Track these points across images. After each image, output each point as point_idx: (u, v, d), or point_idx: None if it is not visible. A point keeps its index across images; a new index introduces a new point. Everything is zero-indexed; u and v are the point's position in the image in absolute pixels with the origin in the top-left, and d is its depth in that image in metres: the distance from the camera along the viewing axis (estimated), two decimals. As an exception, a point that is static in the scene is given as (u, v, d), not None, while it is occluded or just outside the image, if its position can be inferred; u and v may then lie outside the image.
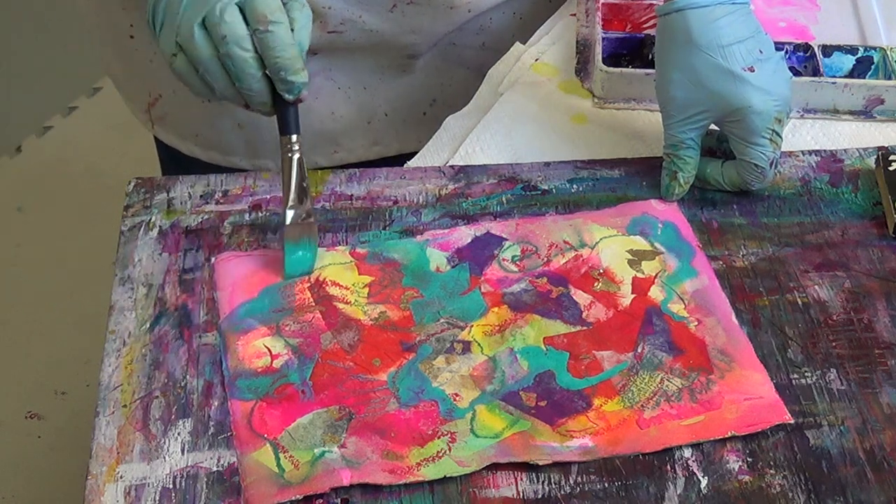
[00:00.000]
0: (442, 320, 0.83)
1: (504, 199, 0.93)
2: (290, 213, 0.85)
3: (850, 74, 1.04)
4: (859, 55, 1.04)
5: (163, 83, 1.10)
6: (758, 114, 0.88)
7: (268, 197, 0.93)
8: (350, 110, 1.11)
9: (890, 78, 1.02)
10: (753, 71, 0.88)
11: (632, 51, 1.07)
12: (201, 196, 0.93)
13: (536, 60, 1.08)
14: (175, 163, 1.15)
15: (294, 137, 0.86)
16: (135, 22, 1.07)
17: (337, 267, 0.87)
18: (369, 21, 1.04)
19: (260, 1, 0.81)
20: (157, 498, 0.73)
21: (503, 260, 0.88)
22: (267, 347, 0.81)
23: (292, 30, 0.83)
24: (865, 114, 1.02)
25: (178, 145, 1.14)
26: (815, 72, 1.03)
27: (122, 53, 1.12)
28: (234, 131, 1.10)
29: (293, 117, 0.86)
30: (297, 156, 0.86)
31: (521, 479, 0.74)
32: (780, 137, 0.90)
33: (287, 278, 0.85)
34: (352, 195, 0.93)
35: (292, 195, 0.85)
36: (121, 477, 0.74)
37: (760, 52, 0.89)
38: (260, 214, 0.91)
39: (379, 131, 1.14)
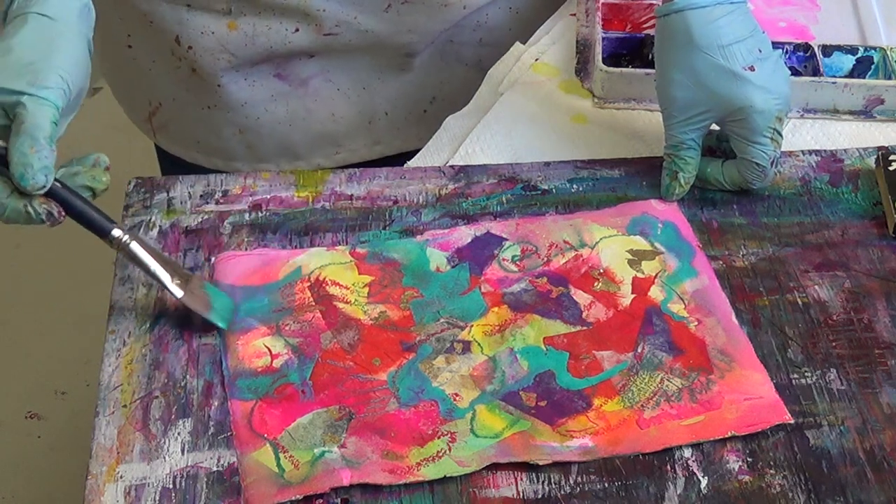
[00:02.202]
0: (442, 320, 0.83)
1: (504, 199, 0.93)
2: (177, 291, 0.81)
3: (850, 74, 1.04)
4: (859, 55, 1.04)
5: (162, 92, 1.10)
6: (760, 112, 0.88)
7: (268, 197, 0.93)
8: (350, 111, 1.11)
9: (890, 78, 1.02)
10: (754, 70, 0.88)
11: (632, 51, 1.06)
12: (201, 196, 0.93)
13: (536, 60, 1.08)
14: (177, 170, 1.15)
15: (116, 232, 0.80)
16: (132, 32, 1.07)
17: (337, 267, 0.87)
18: (364, 22, 1.04)
19: None
20: (157, 498, 0.73)
21: (503, 260, 0.88)
22: (267, 347, 0.81)
23: (7, 166, 0.75)
24: (865, 114, 1.02)
25: (180, 154, 1.14)
26: (815, 72, 1.03)
27: (120, 63, 1.12)
28: (235, 137, 1.10)
29: (94, 213, 0.79)
30: (132, 244, 0.80)
31: (521, 479, 0.74)
32: (781, 136, 0.90)
33: (225, 325, 0.82)
34: (352, 195, 0.93)
35: (163, 275, 0.81)
36: (121, 477, 0.74)
37: (760, 50, 0.89)
38: (260, 214, 0.91)
39: (380, 131, 1.14)
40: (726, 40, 0.88)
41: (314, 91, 1.09)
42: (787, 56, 1.04)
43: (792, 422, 0.77)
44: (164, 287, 0.81)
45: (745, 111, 0.88)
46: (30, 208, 0.77)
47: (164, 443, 0.76)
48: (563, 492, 0.74)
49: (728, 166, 0.93)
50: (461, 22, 1.09)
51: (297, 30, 1.03)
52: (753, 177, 0.91)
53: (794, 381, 0.80)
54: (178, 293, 0.81)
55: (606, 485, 0.74)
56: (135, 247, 0.81)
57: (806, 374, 0.81)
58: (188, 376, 0.80)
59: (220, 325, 0.82)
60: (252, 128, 1.09)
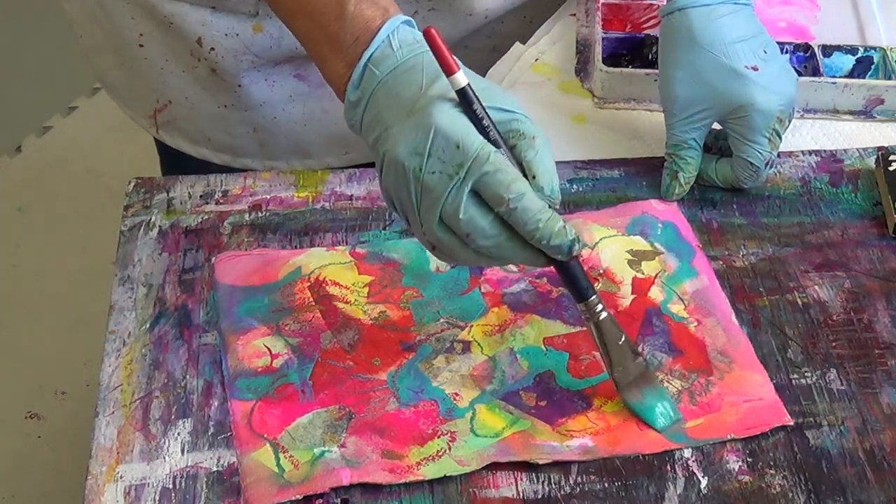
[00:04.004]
0: (442, 320, 0.83)
1: (504, 199, 0.93)
2: (617, 378, 0.77)
3: (850, 74, 1.04)
4: (859, 55, 1.04)
5: (174, 90, 1.09)
6: (760, 111, 0.88)
7: (268, 197, 0.93)
8: None
9: (890, 78, 1.02)
10: (757, 69, 0.88)
11: (632, 51, 1.06)
12: (201, 196, 0.93)
13: (536, 60, 1.08)
14: (178, 162, 1.15)
15: (593, 299, 0.76)
16: (145, 32, 1.06)
17: (337, 266, 0.87)
18: None
19: (491, 183, 0.71)
20: (157, 498, 0.73)
21: (503, 260, 0.88)
22: (267, 347, 0.81)
23: (534, 177, 0.74)
24: (865, 114, 1.02)
25: (186, 148, 1.14)
26: (815, 72, 1.03)
27: (127, 61, 1.11)
28: (248, 135, 1.10)
29: (579, 277, 0.75)
30: (602, 315, 0.76)
31: (521, 479, 0.74)
32: (780, 138, 0.90)
33: (661, 430, 0.77)
34: (352, 195, 0.93)
35: (613, 360, 0.77)
36: (121, 477, 0.74)
37: (765, 52, 0.89)
38: (260, 214, 0.91)
39: None
40: (729, 38, 0.89)
41: (331, 91, 1.09)
42: (787, 56, 1.04)
43: (791, 423, 0.77)
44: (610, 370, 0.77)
45: (746, 109, 0.88)
46: (563, 226, 0.73)
47: (164, 443, 0.76)
48: (563, 492, 0.74)
49: (722, 164, 0.93)
50: (478, 29, 1.09)
51: None
52: (746, 176, 0.91)
53: (793, 381, 0.80)
54: (620, 386, 0.77)
55: (606, 485, 0.74)
56: (601, 323, 0.76)
57: (806, 374, 0.81)
58: (188, 376, 0.80)
59: (656, 425, 0.77)
60: (267, 127, 1.09)
